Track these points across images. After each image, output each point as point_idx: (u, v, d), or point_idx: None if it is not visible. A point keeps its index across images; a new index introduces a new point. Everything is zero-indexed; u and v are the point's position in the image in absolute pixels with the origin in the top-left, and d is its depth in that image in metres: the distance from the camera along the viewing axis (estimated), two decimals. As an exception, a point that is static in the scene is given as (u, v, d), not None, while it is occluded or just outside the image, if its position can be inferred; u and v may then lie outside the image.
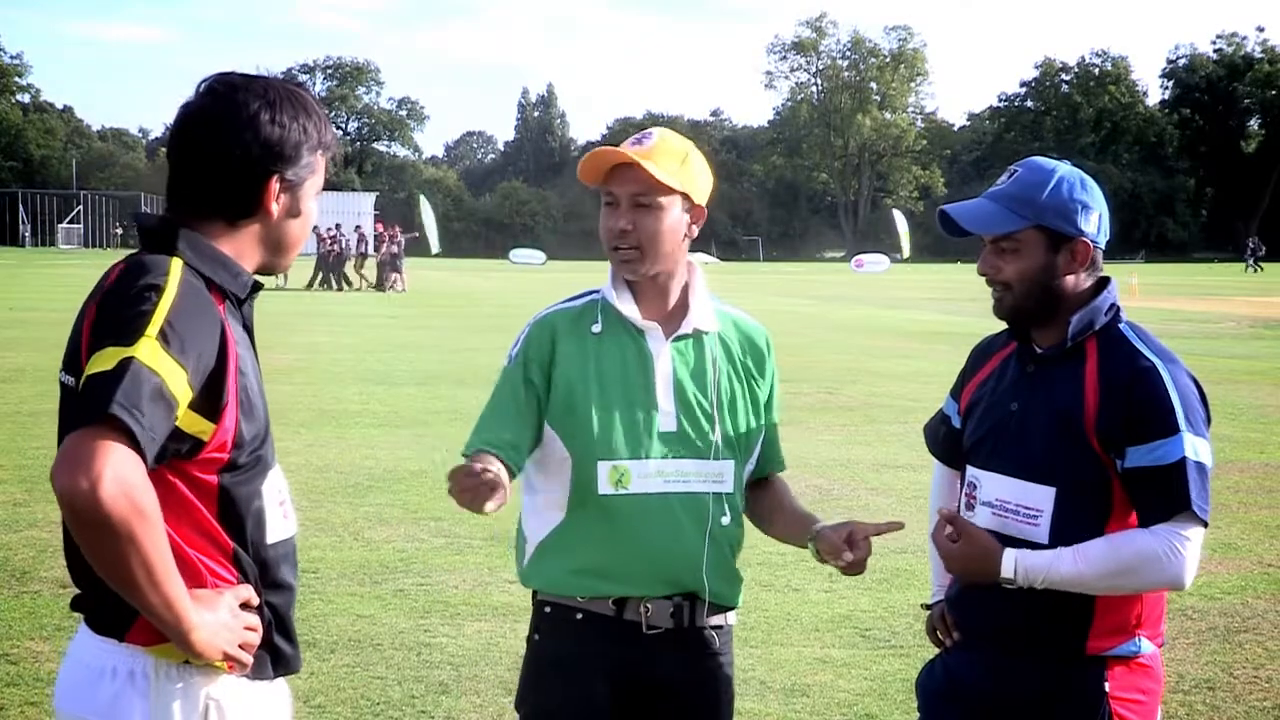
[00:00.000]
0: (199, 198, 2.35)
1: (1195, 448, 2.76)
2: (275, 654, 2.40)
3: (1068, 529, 2.81)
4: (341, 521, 8.47)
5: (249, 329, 2.40)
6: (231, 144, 2.31)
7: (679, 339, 2.92)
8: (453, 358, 19.10)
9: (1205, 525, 2.77)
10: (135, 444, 2.05)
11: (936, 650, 3.21)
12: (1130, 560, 2.75)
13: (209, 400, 2.20)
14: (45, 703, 5.24)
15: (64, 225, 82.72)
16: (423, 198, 72.78)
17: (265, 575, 2.37)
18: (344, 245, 41.66)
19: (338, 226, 41.10)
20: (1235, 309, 32.54)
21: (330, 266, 40.82)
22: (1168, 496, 2.75)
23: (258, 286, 2.41)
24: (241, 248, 2.37)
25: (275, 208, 2.37)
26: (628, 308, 2.89)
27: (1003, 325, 3.09)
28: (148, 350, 2.10)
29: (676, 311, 2.93)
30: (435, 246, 63.17)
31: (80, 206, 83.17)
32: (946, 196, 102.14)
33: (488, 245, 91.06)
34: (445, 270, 58.97)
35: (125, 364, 2.08)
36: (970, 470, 3.02)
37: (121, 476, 2.02)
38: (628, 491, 2.83)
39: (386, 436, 12.00)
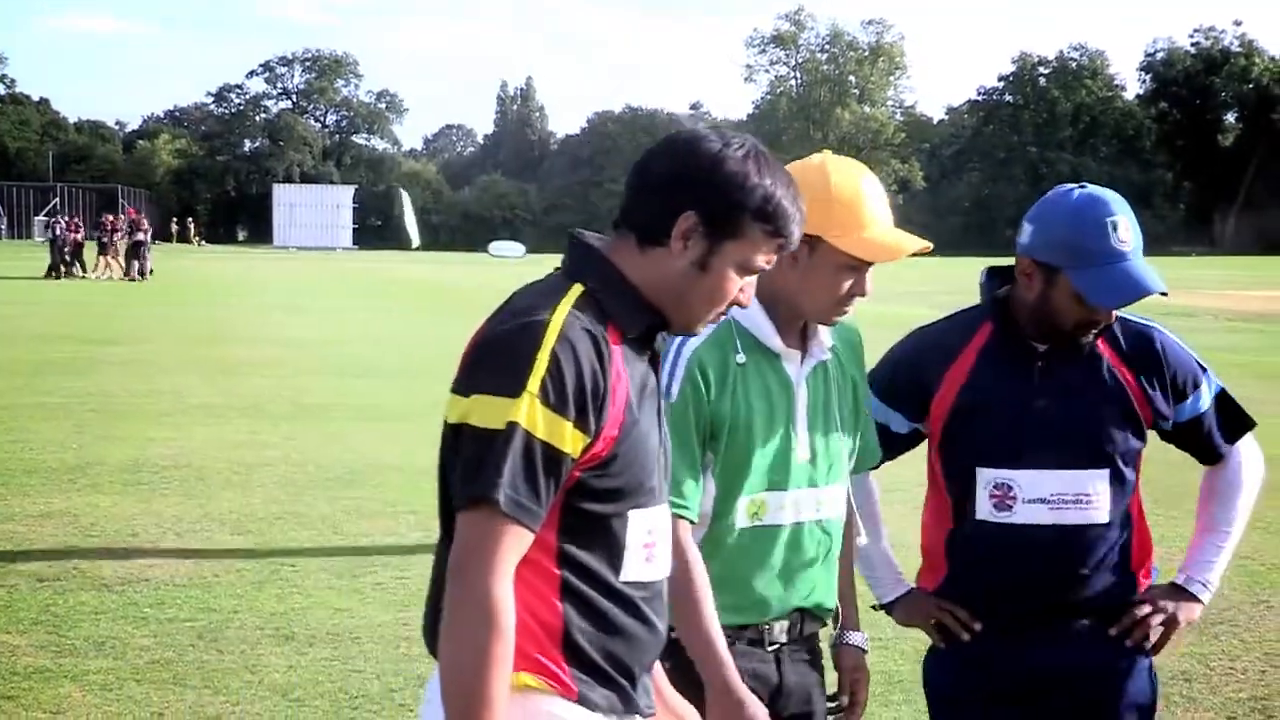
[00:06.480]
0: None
1: (1216, 376, 3.11)
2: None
3: (1118, 501, 2.99)
4: (320, 515, 8.46)
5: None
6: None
7: (812, 365, 2.84)
8: (430, 349, 19.03)
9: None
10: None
11: (929, 643, 3.16)
12: (1236, 491, 3.09)
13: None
14: (21, 696, 5.22)
15: (40, 218, 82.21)
16: (403, 191, 72.46)
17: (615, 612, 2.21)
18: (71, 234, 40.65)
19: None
20: (1214, 302, 32.66)
21: (67, 253, 39.87)
22: (1231, 425, 3.09)
23: (655, 328, 2.25)
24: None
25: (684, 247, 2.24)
26: (770, 336, 2.79)
27: (927, 315, 3.16)
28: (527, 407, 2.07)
29: (804, 335, 2.84)
30: (416, 240, 62.56)
31: (56, 199, 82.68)
32: (925, 190, 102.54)
33: (467, 238, 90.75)
34: (425, 264, 58.82)
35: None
36: (993, 472, 2.97)
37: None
38: (762, 523, 2.77)
39: (364, 430, 11.96)
